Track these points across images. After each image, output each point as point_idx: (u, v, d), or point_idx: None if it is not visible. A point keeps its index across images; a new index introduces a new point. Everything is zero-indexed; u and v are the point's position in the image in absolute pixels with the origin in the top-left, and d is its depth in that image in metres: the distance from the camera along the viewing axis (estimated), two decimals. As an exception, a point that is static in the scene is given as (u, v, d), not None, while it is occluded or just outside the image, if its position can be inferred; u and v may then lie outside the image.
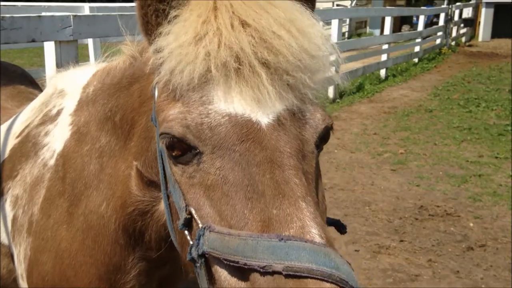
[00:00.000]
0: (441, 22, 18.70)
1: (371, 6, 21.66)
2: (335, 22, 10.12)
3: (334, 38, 10.00)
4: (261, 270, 0.85)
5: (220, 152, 0.97)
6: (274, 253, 0.85)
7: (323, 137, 1.08)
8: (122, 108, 1.40)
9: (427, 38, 17.14)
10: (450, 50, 18.46)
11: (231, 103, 0.98)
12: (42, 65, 4.76)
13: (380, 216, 4.94)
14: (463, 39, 21.98)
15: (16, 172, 1.67)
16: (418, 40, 15.83)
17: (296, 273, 0.83)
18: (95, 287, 1.47)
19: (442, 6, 19.48)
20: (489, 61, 16.52)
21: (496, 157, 6.77)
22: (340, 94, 10.32)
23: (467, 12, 23.38)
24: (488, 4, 23.24)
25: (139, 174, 1.37)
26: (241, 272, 0.90)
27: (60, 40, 3.25)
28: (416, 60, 15.75)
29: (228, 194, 0.96)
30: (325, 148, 1.14)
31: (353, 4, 22.72)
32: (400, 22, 23.70)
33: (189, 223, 1.02)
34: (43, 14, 3.25)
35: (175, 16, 1.06)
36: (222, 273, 0.93)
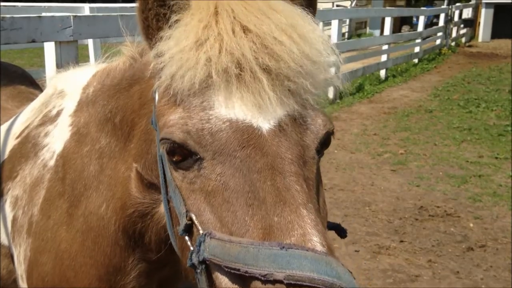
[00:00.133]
0: (441, 22, 18.71)
1: (371, 7, 21.67)
2: (335, 23, 10.13)
3: (334, 38, 10.01)
4: (262, 278, 0.85)
5: (221, 158, 0.97)
6: (276, 262, 0.84)
7: (324, 142, 1.08)
8: (122, 109, 1.40)
9: (427, 39, 17.14)
10: (450, 51, 18.46)
11: (232, 108, 0.97)
12: (42, 65, 4.76)
13: (380, 217, 4.94)
14: (463, 39, 21.98)
15: (16, 173, 1.67)
16: (418, 40, 15.83)
17: (298, 282, 0.82)
18: None
19: (442, 7, 19.49)
20: (489, 62, 16.52)
21: (496, 158, 6.77)
22: (340, 95, 10.33)
23: (467, 13, 23.38)
24: (488, 5, 23.25)
25: (139, 176, 1.37)
26: (242, 279, 0.89)
27: (60, 41, 3.24)
28: (416, 60, 15.75)
29: (229, 201, 0.95)
30: (325, 149, 1.14)
31: (353, 5, 22.73)
32: (400, 23, 23.70)
33: (189, 228, 1.02)
34: (43, 14, 3.25)
35: (176, 21, 1.05)
36: (222, 280, 0.93)
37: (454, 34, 20.32)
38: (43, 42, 3.28)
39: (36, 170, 1.59)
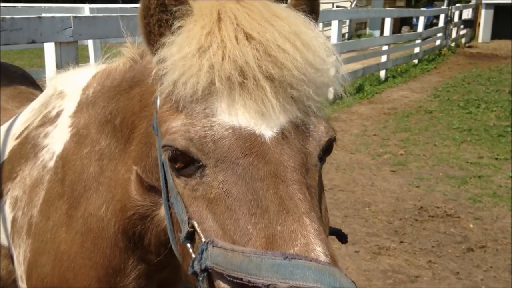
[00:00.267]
0: (441, 23, 18.71)
1: (371, 7, 21.68)
2: (335, 23, 10.13)
3: (334, 39, 10.01)
4: None
5: (224, 166, 0.97)
6: (279, 272, 0.84)
7: (326, 149, 1.08)
8: (122, 111, 1.39)
9: (427, 39, 17.15)
10: (450, 51, 18.47)
11: (235, 115, 0.97)
12: (42, 66, 4.76)
13: (380, 217, 4.94)
14: (463, 40, 21.99)
15: (15, 174, 1.67)
16: (418, 41, 15.84)
17: None
18: None
19: (442, 7, 19.49)
20: (489, 62, 16.53)
21: (496, 158, 6.77)
22: (340, 96, 10.31)
23: (467, 13, 23.40)
24: (488, 6, 23.26)
25: (139, 179, 1.36)
26: None
27: (60, 41, 3.24)
28: (416, 61, 15.75)
29: (232, 208, 0.95)
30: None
31: (353, 6, 22.74)
32: (400, 23, 23.70)
33: (191, 236, 1.02)
34: (43, 15, 3.25)
35: (179, 27, 1.05)
36: None
37: (454, 35, 20.33)
38: (43, 42, 3.28)
39: (36, 171, 1.59)
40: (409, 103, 10.35)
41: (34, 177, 1.59)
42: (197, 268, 0.96)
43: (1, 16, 2.91)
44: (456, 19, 20.37)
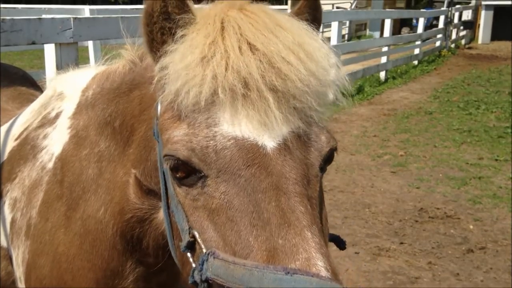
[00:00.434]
0: (441, 24, 18.74)
1: (371, 9, 21.70)
2: (334, 25, 10.14)
3: (334, 40, 10.02)
4: None
5: (225, 177, 0.97)
6: (280, 287, 0.84)
7: (327, 159, 1.08)
8: (121, 114, 1.39)
9: (427, 41, 17.17)
10: (449, 53, 18.48)
11: (237, 126, 0.97)
12: (42, 67, 4.76)
13: (380, 218, 4.93)
14: (463, 41, 22.00)
15: (14, 175, 1.67)
16: (418, 42, 15.85)
17: None
18: None
19: (442, 9, 19.52)
20: (489, 64, 16.53)
21: (496, 160, 6.77)
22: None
23: (467, 15, 23.42)
24: (487, 7, 23.29)
25: (137, 182, 1.36)
26: None
27: (60, 43, 3.25)
28: (415, 62, 15.76)
29: (233, 220, 0.95)
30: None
31: (353, 7, 22.76)
32: (399, 25, 23.73)
33: (192, 245, 1.02)
34: (44, 16, 3.25)
35: (182, 36, 1.05)
36: None
37: (454, 36, 20.34)
38: (43, 44, 3.28)
39: (35, 172, 1.59)
40: (409, 104, 10.35)
41: (33, 178, 1.59)
42: (197, 278, 0.96)
43: (1, 17, 2.91)
44: (456, 20, 20.39)
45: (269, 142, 0.97)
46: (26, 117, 1.80)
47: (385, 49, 13.08)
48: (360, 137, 7.86)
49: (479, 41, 23.27)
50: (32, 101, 1.97)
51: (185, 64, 0.99)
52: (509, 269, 4.00)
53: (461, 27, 21.89)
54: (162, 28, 1.08)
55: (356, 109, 9.81)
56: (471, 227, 4.79)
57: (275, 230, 0.91)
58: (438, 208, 5.19)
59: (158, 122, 1.11)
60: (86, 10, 7.50)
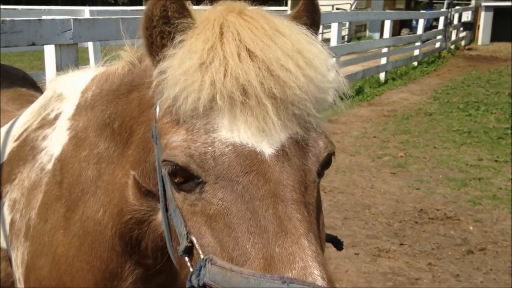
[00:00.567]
0: (441, 25, 18.75)
1: (371, 10, 21.72)
2: (334, 26, 10.15)
3: (334, 41, 10.03)
4: None
5: (223, 183, 0.97)
6: None
7: (325, 164, 1.08)
8: (120, 115, 1.39)
9: (427, 42, 17.18)
10: (449, 54, 18.49)
11: (236, 132, 0.97)
12: (42, 68, 4.77)
13: (380, 220, 4.93)
14: (463, 42, 22.02)
15: (14, 176, 1.67)
16: (418, 43, 15.86)
17: None
18: None
19: (442, 10, 19.55)
20: (489, 65, 16.55)
21: (496, 161, 6.77)
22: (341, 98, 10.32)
23: (467, 16, 23.44)
24: (487, 8, 23.31)
25: (136, 184, 1.36)
26: None
27: (60, 44, 3.25)
28: (415, 63, 15.78)
29: (230, 226, 0.96)
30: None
31: (352, 8, 22.78)
32: (399, 26, 23.76)
33: (189, 250, 1.02)
34: (44, 17, 3.26)
35: (181, 41, 1.05)
36: None
37: (453, 37, 20.36)
38: (43, 45, 3.29)
39: (34, 173, 1.59)
40: (408, 105, 10.36)
41: (32, 180, 1.59)
42: (195, 283, 0.97)
43: (1, 19, 2.91)
44: (455, 21, 20.40)
45: (267, 148, 0.97)
46: (26, 118, 1.80)
47: (385, 50, 13.09)
48: (360, 138, 7.86)
49: (479, 42, 23.29)
50: (32, 102, 1.97)
51: (183, 70, 0.99)
52: (509, 270, 4.00)
53: (461, 28, 21.91)
54: (161, 32, 1.08)
55: (356, 110, 9.81)
56: (471, 228, 4.79)
57: (272, 238, 0.91)
58: (438, 209, 5.19)
59: (157, 126, 1.11)
60: (86, 11, 7.51)
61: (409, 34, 20.38)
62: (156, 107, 1.14)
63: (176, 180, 1.02)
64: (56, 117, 1.62)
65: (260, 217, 0.93)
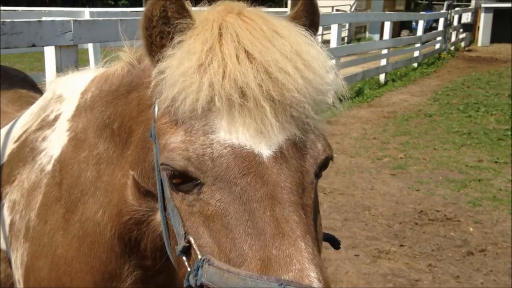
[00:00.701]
0: (440, 27, 18.77)
1: (370, 11, 21.74)
2: (334, 27, 10.16)
3: (334, 43, 10.03)
4: None
5: (221, 184, 0.97)
6: None
7: (323, 166, 1.09)
8: (120, 116, 1.39)
9: (427, 43, 17.19)
10: (449, 55, 18.51)
11: (234, 134, 0.97)
12: (42, 69, 4.77)
13: (380, 221, 4.93)
14: (462, 44, 22.04)
15: (13, 177, 1.67)
16: (418, 45, 15.87)
17: None
18: None
19: (441, 11, 19.55)
20: (489, 66, 16.56)
21: (496, 162, 6.77)
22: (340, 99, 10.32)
23: (466, 17, 23.46)
24: (487, 9, 23.33)
25: (135, 184, 1.36)
26: None
27: (60, 45, 3.26)
28: (415, 65, 15.79)
29: (228, 227, 0.96)
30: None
31: (352, 9, 22.81)
32: (399, 27, 23.77)
33: (187, 250, 1.03)
34: (44, 19, 3.26)
35: (180, 41, 1.05)
36: None
37: (453, 39, 20.37)
38: (43, 46, 3.29)
39: (34, 174, 1.59)
40: (408, 107, 10.36)
41: (32, 181, 1.59)
42: (192, 282, 0.97)
43: (2, 20, 2.92)
44: (455, 22, 20.42)
45: (265, 150, 0.97)
46: (26, 119, 1.80)
47: (384, 51, 13.10)
48: (360, 139, 7.86)
49: (479, 44, 23.30)
50: (32, 103, 1.97)
51: (182, 71, 1.00)
52: (509, 271, 3.99)
53: (461, 30, 21.93)
54: (161, 32, 1.08)
55: (356, 111, 9.82)
56: (471, 229, 4.79)
57: (269, 240, 0.92)
58: (438, 211, 5.19)
59: (156, 125, 1.12)
60: (86, 13, 7.52)
61: (409, 35, 20.40)
62: (155, 107, 1.14)
63: (174, 181, 1.03)
64: (56, 119, 1.62)
65: (258, 218, 0.93)
